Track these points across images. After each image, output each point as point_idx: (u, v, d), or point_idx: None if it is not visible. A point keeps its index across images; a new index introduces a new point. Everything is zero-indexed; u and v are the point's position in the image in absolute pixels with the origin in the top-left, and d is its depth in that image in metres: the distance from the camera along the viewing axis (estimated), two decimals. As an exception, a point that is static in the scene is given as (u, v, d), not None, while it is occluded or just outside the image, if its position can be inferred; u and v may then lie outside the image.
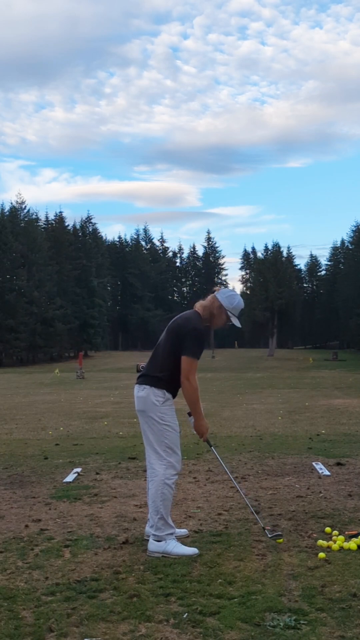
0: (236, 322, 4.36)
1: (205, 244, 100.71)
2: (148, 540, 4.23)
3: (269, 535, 4.23)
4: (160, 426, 4.18)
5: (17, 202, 70.62)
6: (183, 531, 4.47)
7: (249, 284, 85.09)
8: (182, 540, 4.28)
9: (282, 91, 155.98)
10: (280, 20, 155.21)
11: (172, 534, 4.14)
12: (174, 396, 4.30)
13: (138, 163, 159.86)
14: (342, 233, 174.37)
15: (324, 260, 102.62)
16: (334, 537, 4.28)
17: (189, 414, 4.34)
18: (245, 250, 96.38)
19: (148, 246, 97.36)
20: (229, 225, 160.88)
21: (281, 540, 4.23)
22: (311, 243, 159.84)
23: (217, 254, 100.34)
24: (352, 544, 4.10)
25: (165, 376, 4.23)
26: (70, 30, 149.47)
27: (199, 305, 4.36)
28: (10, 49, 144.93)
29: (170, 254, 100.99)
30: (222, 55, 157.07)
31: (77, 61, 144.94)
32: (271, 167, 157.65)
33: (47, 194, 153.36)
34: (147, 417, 4.22)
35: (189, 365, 4.14)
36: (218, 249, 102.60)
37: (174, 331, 4.26)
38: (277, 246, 78.69)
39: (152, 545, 4.10)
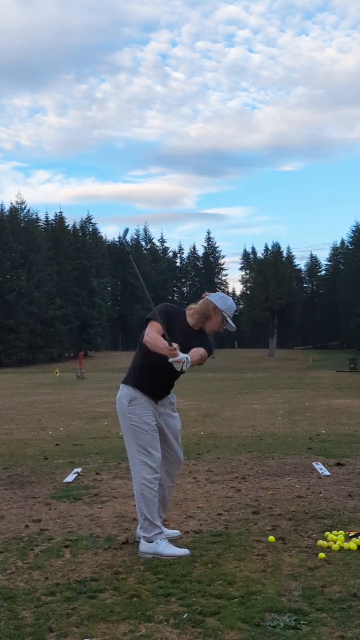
0: (231, 324, 4.23)
1: (205, 244, 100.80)
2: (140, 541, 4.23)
3: None
4: (129, 426, 4.17)
5: (17, 202, 70.79)
6: (175, 532, 4.41)
7: (249, 284, 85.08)
8: (175, 541, 4.25)
9: (272, 97, 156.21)
10: (267, 27, 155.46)
11: (159, 534, 4.07)
12: (148, 394, 4.17)
13: (133, 167, 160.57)
14: (340, 233, 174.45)
15: (323, 261, 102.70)
16: (334, 538, 4.28)
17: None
18: (245, 250, 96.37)
19: (148, 246, 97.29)
20: (227, 226, 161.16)
21: None
22: (305, 246, 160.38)
23: (217, 254, 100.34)
24: (352, 544, 4.11)
25: (132, 370, 4.23)
26: (61, 39, 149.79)
27: (190, 308, 4.23)
28: (2, 57, 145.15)
29: (170, 254, 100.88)
30: (210, 62, 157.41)
31: (68, 68, 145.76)
32: (265, 171, 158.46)
33: (43, 197, 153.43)
34: (120, 417, 4.27)
35: (148, 326, 4.05)
36: (218, 249, 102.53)
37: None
38: (277, 246, 78.73)
39: (143, 546, 4.07)
